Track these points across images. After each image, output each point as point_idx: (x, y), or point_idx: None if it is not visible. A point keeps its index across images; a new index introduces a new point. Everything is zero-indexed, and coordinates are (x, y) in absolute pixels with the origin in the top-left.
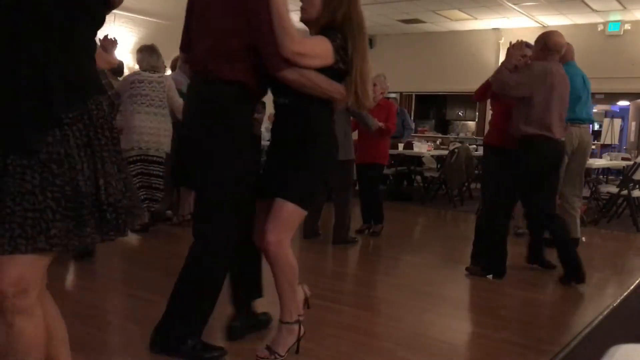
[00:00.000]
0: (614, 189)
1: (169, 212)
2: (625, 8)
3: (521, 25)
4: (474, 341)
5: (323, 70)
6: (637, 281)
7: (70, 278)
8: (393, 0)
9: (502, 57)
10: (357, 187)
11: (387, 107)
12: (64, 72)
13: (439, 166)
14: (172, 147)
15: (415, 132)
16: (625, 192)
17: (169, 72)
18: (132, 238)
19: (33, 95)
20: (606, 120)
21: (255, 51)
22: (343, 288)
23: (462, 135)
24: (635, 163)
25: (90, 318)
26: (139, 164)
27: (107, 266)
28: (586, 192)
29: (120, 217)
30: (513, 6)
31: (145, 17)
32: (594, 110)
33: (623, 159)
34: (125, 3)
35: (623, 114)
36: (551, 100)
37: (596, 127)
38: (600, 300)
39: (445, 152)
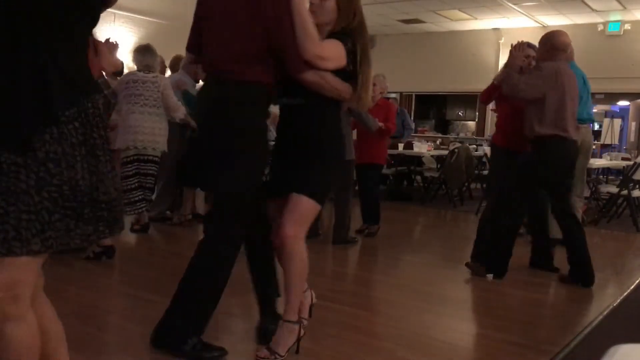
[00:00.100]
0: (614, 189)
1: (168, 212)
2: (625, 8)
3: (521, 25)
4: (474, 341)
5: (335, 72)
6: (637, 281)
7: (70, 278)
8: (393, 0)
9: (502, 57)
10: (357, 187)
11: (387, 107)
12: (63, 70)
13: (439, 166)
14: (174, 146)
15: (415, 132)
16: (625, 192)
17: (169, 72)
18: (132, 238)
19: (32, 92)
20: (606, 120)
21: (273, 53)
22: (343, 288)
23: (462, 135)
24: (635, 163)
25: (90, 318)
26: (135, 164)
27: (107, 266)
28: (586, 192)
29: (112, 215)
30: (513, 6)
31: (145, 17)
32: (594, 110)
33: (623, 159)
34: (125, 3)
35: (623, 114)
36: (564, 100)
37: (596, 127)
38: (600, 300)
39: (445, 152)
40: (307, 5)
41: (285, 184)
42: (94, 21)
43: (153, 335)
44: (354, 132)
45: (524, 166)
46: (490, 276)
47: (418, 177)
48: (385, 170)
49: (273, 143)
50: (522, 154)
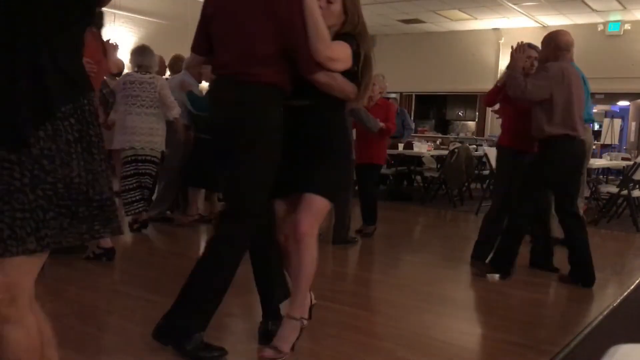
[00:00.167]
0: (614, 189)
1: (168, 212)
2: (625, 8)
3: (521, 25)
4: (473, 341)
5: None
6: (637, 281)
7: (70, 278)
8: (393, 0)
9: (502, 57)
10: (356, 187)
11: (386, 107)
12: (62, 68)
13: (439, 166)
14: (178, 147)
15: (415, 132)
16: (625, 192)
17: (169, 72)
18: (132, 238)
19: (31, 90)
20: (606, 120)
21: (286, 55)
22: (343, 288)
23: (462, 135)
24: (635, 163)
25: (90, 318)
26: (133, 164)
27: (107, 266)
28: (586, 192)
29: (106, 215)
30: (513, 6)
31: (145, 17)
32: (594, 110)
33: (623, 159)
34: (125, 3)
35: (623, 114)
36: (571, 99)
37: (596, 127)
38: (600, 300)
39: (445, 152)
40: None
41: (296, 183)
42: (90, 20)
43: (156, 330)
44: (353, 132)
45: (531, 166)
46: (495, 276)
47: (418, 177)
48: (385, 170)
49: None
50: (529, 154)
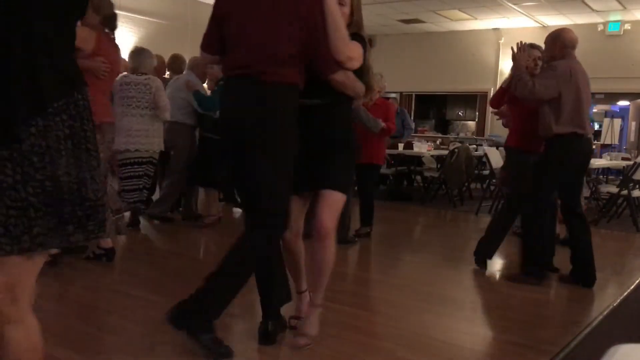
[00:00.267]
0: (614, 189)
1: (169, 212)
2: (625, 8)
3: (521, 25)
4: (473, 341)
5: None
6: (637, 281)
7: (70, 278)
8: (393, 0)
9: (502, 57)
10: (356, 188)
11: (386, 107)
12: (56, 62)
13: (439, 166)
14: (185, 147)
15: (415, 132)
16: (625, 192)
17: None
18: (132, 238)
19: (23, 83)
20: (606, 120)
21: (304, 55)
22: (343, 288)
23: (462, 135)
24: (635, 163)
25: (90, 318)
26: (128, 167)
27: (107, 266)
28: (586, 192)
29: (101, 214)
30: (513, 6)
31: (145, 17)
32: (594, 110)
33: (623, 159)
34: (125, 3)
35: (623, 114)
36: (580, 97)
37: (596, 127)
38: (600, 300)
39: (445, 152)
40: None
41: (310, 180)
42: (82, 13)
43: (173, 314)
44: None
45: (537, 167)
46: (532, 280)
47: (418, 177)
48: (385, 170)
49: None
50: (536, 154)
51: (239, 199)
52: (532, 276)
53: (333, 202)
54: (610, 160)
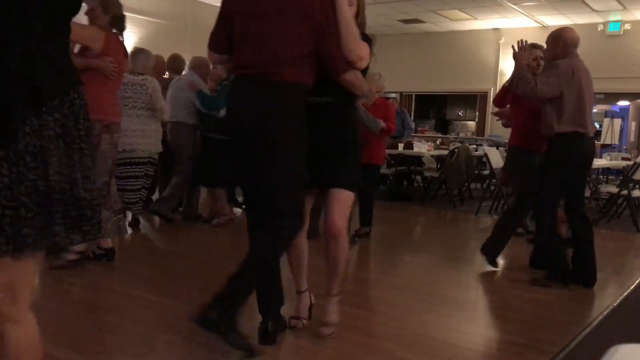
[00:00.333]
0: (614, 189)
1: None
2: (625, 8)
3: (521, 25)
4: (473, 341)
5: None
6: (637, 281)
7: (70, 278)
8: (393, 0)
9: (502, 57)
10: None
11: (385, 107)
12: (53, 60)
13: (439, 166)
14: (188, 147)
15: (415, 132)
16: (625, 192)
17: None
18: (132, 238)
19: (21, 82)
20: (606, 120)
21: (314, 55)
22: (343, 288)
23: (462, 135)
24: (635, 163)
25: (90, 318)
26: (127, 167)
27: (107, 266)
28: (586, 192)
29: (97, 214)
30: (513, 6)
31: (145, 17)
32: (594, 110)
33: (623, 159)
34: (125, 3)
35: (623, 114)
36: (582, 96)
37: (596, 127)
38: (600, 300)
39: (445, 152)
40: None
41: (321, 179)
42: (77, 12)
43: (202, 316)
44: None
45: (542, 168)
46: (557, 285)
47: (418, 177)
48: (385, 170)
49: None
50: (539, 153)
51: (239, 199)
52: (557, 282)
53: (343, 201)
54: (610, 160)
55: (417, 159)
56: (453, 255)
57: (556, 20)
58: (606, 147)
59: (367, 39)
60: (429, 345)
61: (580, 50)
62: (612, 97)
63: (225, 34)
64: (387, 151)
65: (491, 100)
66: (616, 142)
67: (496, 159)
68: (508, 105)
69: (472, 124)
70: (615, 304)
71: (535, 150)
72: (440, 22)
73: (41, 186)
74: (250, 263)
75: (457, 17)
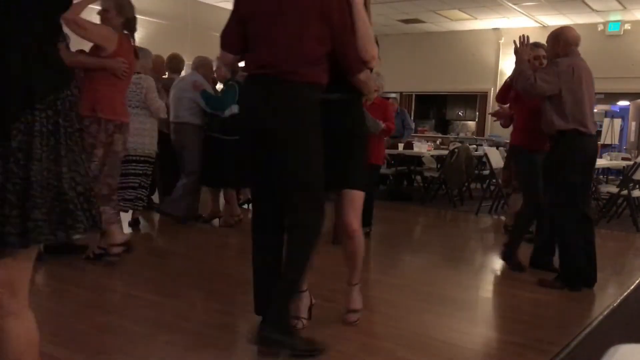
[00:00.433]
0: (614, 189)
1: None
2: (625, 8)
3: (521, 25)
4: (473, 341)
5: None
6: (637, 281)
7: (70, 278)
8: (393, 0)
9: (502, 57)
10: None
11: (384, 106)
12: (47, 58)
13: (439, 166)
14: (194, 148)
15: (415, 132)
16: (625, 192)
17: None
18: (132, 238)
19: (16, 81)
20: (606, 120)
21: (331, 54)
22: (343, 288)
23: (462, 135)
24: (635, 163)
25: (90, 318)
26: (124, 164)
27: (107, 266)
28: None
29: (94, 208)
30: (513, 6)
31: (145, 17)
32: (594, 110)
33: (623, 159)
34: None
35: (623, 114)
36: (582, 96)
37: (598, 126)
38: (600, 300)
39: (445, 152)
40: None
41: (333, 180)
42: (67, 8)
43: (262, 339)
44: None
45: (546, 170)
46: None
47: (418, 177)
48: (385, 170)
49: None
50: (541, 153)
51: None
52: (568, 285)
53: (355, 201)
54: (610, 160)
55: (417, 159)
56: (453, 255)
57: (556, 20)
58: (606, 147)
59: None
60: (429, 345)
61: (580, 50)
62: (612, 97)
63: (241, 34)
64: (387, 151)
65: (491, 100)
66: (616, 142)
67: (496, 159)
68: (508, 105)
69: (472, 124)
70: (615, 304)
71: (536, 150)
72: (440, 22)
73: (33, 183)
74: (290, 267)
75: (457, 17)
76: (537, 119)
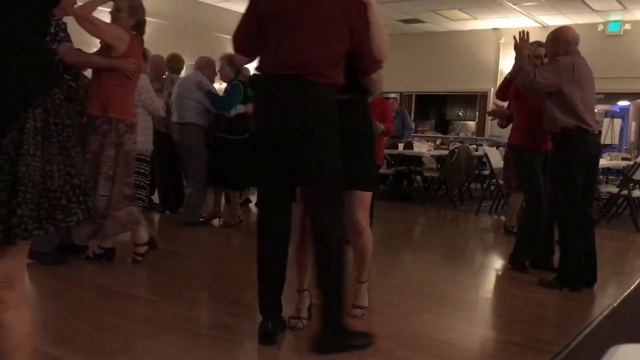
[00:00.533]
0: (614, 189)
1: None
2: (625, 8)
3: (521, 25)
4: (473, 341)
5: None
6: (637, 281)
7: (70, 278)
8: (393, 0)
9: (502, 57)
10: None
11: (383, 106)
12: (40, 57)
13: (439, 166)
14: (199, 149)
15: (415, 132)
16: (625, 192)
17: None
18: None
19: (12, 81)
20: (606, 120)
21: (345, 56)
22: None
23: (462, 135)
24: (635, 163)
25: (90, 318)
26: None
27: (107, 266)
28: None
29: (90, 200)
30: (513, 6)
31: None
32: (594, 110)
33: (623, 159)
34: None
35: (623, 114)
36: (583, 94)
37: (600, 124)
38: (600, 300)
39: (445, 152)
40: None
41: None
42: (56, 6)
43: (320, 345)
44: None
45: (553, 168)
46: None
47: (418, 177)
48: (385, 170)
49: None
50: (540, 152)
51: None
52: (568, 285)
53: (364, 200)
54: (610, 160)
55: (417, 159)
56: (453, 255)
57: (556, 20)
58: (606, 147)
59: None
60: (429, 345)
61: (580, 50)
62: (612, 97)
63: (256, 36)
64: (387, 151)
65: (491, 100)
66: (616, 142)
67: (496, 159)
68: (507, 102)
69: (472, 124)
70: (615, 304)
71: (536, 149)
72: (440, 22)
73: (23, 180)
74: (327, 278)
75: (457, 17)
76: (537, 120)
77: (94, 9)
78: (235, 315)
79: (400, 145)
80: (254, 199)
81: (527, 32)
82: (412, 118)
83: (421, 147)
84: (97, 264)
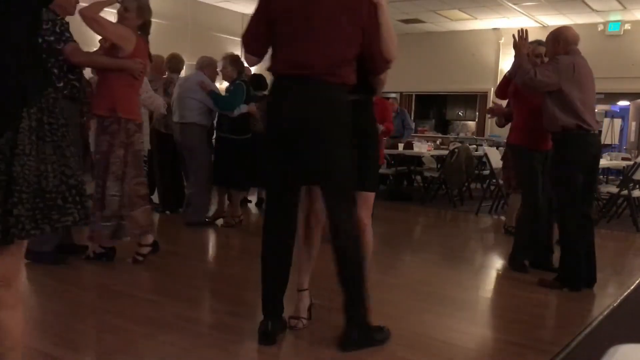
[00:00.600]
0: (614, 189)
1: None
2: (625, 8)
3: (521, 25)
4: (473, 341)
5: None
6: (637, 281)
7: (70, 278)
8: (393, 0)
9: (502, 57)
10: None
11: (382, 106)
12: (35, 58)
13: (439, 166)
14: (203, 150)
15: (415, 132)
16: (625, 192)
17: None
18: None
19: (10, 81)
20: (606, 120)
21: (359, 55)
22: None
23: (462, 135)
24: (635, 163)
25: (90, 318)
26: None
27: (107, 266)
28: None
29: (86, 200)
30: (513, 6)
31: None
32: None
33: (623, 159)
34: None
35: (623, 114)
36: (583, 93)
37: (600, 124)
38: (600, 300)
39: (445, 152)
40: None
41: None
42: (47, 6)
43: (348, 342)
44: None
45: (553, 167)
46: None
47: (418, 177)
48: (385, 170)
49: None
50: (540, 152)
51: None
52: (568, 285)
53: (368, 200)
54: (610, 160)
55: (417, 159)
56: (453, 255)
57: (556, 20)
58: (606, 147)
59: None
60: (429, 345)
61: (580, 50)
62: (612, 97)
63: (266, 36)
64: (387, 151)
65: (491, 100)
66: (616, 142)
67: (496, 159)
68: (507, 100)
69: (472, 124)
70: (615, 304)
71: (536, 148)
72: (440, 22)
73: (17, 179)
74: (348, 268)
75: (457, 17)
76: (537, 119)
77: (101, 9)
78: (235, 315)
79: (400, 145)
80: (253, 198)
81: (526, 31)
82: (412, 118)
83: (421, 147)
84: (98, 263)
